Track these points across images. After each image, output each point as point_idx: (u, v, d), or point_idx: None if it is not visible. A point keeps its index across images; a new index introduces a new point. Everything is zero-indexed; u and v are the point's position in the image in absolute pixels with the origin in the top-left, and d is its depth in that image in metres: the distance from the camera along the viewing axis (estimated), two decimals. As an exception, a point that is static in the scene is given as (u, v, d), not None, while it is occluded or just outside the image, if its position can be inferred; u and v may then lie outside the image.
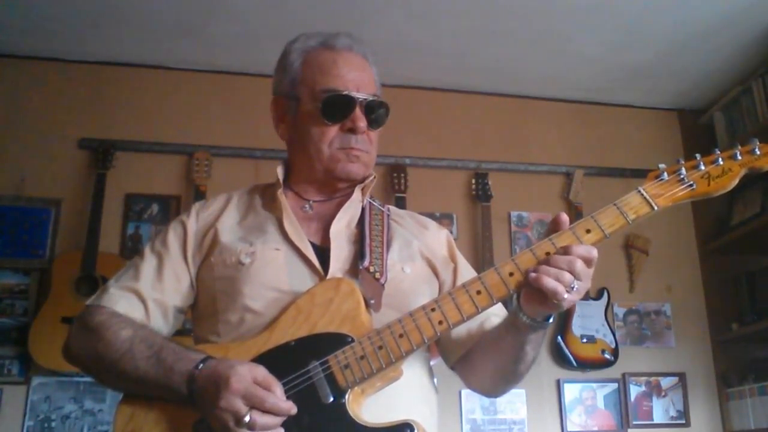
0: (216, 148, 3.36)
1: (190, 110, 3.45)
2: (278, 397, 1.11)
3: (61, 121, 3.31)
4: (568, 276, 1.12)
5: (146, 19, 3.10)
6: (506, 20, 3.14)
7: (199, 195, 3.15)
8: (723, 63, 3.49)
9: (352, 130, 1.37)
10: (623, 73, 3.60)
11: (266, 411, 1.10)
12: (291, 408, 1.12)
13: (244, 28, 3.19)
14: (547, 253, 1.17)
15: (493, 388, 1.43)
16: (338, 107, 1.37)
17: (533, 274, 1.14)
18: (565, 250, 1.15)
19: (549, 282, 1.12)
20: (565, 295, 1.12)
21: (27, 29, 3.17)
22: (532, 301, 1.18)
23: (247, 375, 1.11)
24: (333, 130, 1.38)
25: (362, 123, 1.37)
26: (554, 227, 1.20)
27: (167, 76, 3.48)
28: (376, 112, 1.41)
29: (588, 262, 1.14)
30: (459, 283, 1.34)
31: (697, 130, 3.88)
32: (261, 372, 1.13)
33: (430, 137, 3.63)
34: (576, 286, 1.13)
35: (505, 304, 1.38)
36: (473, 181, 3.56)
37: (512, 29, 3.22)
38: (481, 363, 1.37)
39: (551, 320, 1.22)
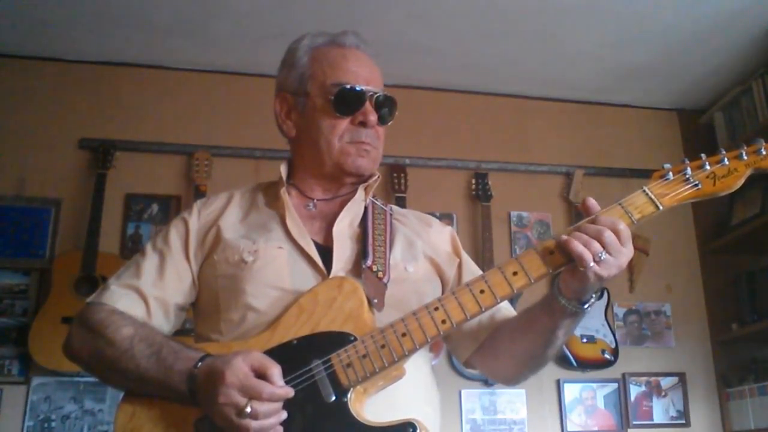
0: (216, 148, 3.36)
1: (190, 110, 3.44)
2: (274, 385, 1.11)
3: (61, 121, 3.30)
4: (596, 245, 1.14)
5: (146, 19, 3.10)
6: (506, 20, 3.14)
7: (199, 195, 3.14)
8: (723, 63, 3.49)
9: (363, 124, 1.38)
10: (623, 73, 3.60)
11: (264, 400, 1.10)
12: (288, 393, 1.12)
13: (244, 28, 3.18)
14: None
15: (517, 375, 1.43)
16: (350, 100, 1.38)
17: (564, 237, 1.16)
18: (594, 221, 1.17)
19: (577, 246, 1.14)
20: (591, 264, 1.13)
21: (27, 29, 3.17)
22: (566, 276, 1.19)
23: (242, 365, 1.11)
24: (344, 124, 1.38)
25: (373, 117, 1.39)
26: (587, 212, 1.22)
27: (167, 76, 3.47)
28: (385, 108, 1.42)
29: (617, 233, 1.15)
30: (465, 278, 1.34)
31: (697, 130, 3.88)
32: (256, 358, 1.13)
33: (430, 137, 3.63)
34: (604, 257, 1.14)
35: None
36: (473, 181, 3.56)
37: (512, 29, 3.22)
38: (508, 349, 1.37)
39: (587, 306, 1.23)
